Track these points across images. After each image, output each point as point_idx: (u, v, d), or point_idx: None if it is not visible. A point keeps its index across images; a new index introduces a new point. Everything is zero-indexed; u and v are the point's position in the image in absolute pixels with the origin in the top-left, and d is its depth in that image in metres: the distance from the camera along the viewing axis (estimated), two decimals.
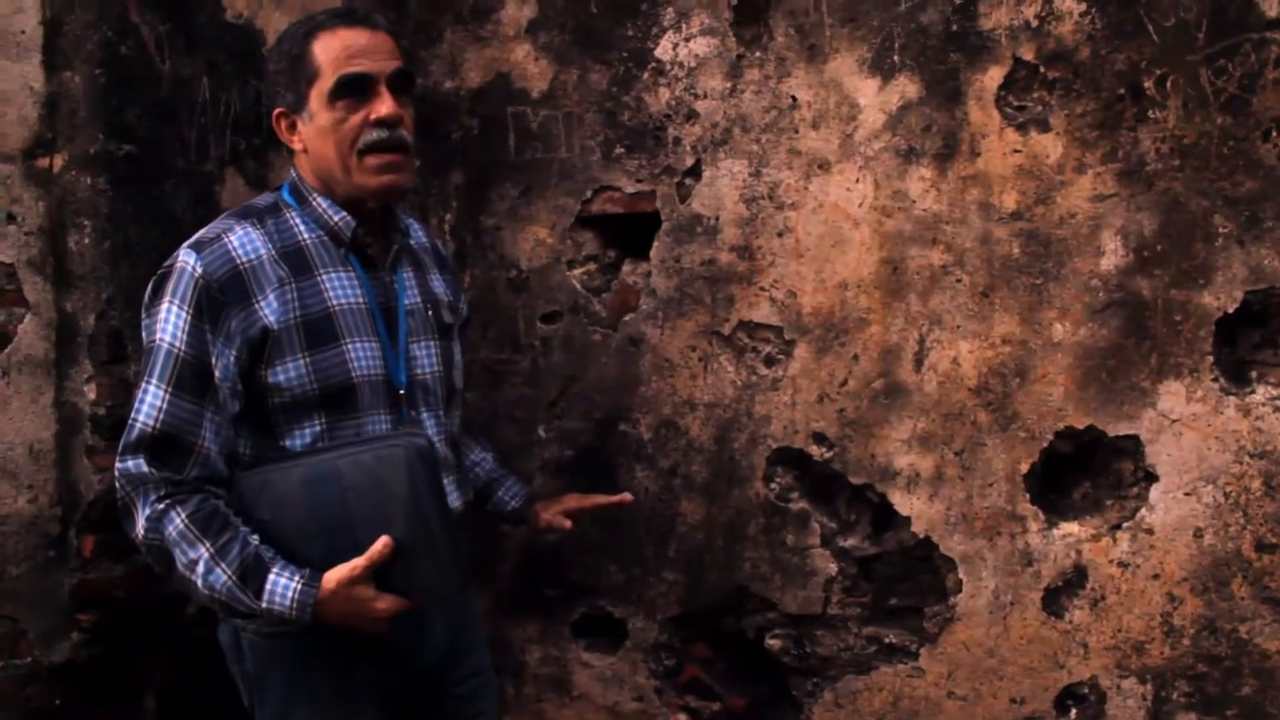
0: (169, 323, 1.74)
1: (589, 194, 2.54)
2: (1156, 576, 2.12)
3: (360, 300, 1.86)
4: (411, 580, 1.76)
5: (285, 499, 1.75)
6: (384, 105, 1.80)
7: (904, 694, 2.34)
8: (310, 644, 1.82)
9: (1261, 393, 2.04)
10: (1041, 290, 2.16)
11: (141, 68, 2.28)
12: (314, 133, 1.83)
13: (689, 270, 2.45)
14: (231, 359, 1.75)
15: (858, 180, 2.28)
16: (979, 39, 2.17)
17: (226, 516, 1.73)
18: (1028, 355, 2.18)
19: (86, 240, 2.23)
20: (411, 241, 2.01)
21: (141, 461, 1.72)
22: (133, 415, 1.74)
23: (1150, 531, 2.12)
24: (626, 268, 2.53)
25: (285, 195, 1.90)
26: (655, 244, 2.48)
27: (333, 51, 1.80)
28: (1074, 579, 2.18)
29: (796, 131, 2.33)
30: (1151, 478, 2.11)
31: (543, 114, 2.57)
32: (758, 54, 2.35)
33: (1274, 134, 1.98)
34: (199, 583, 1.71)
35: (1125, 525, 2.14)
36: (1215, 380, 2.05)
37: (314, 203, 1.86)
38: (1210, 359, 2.05)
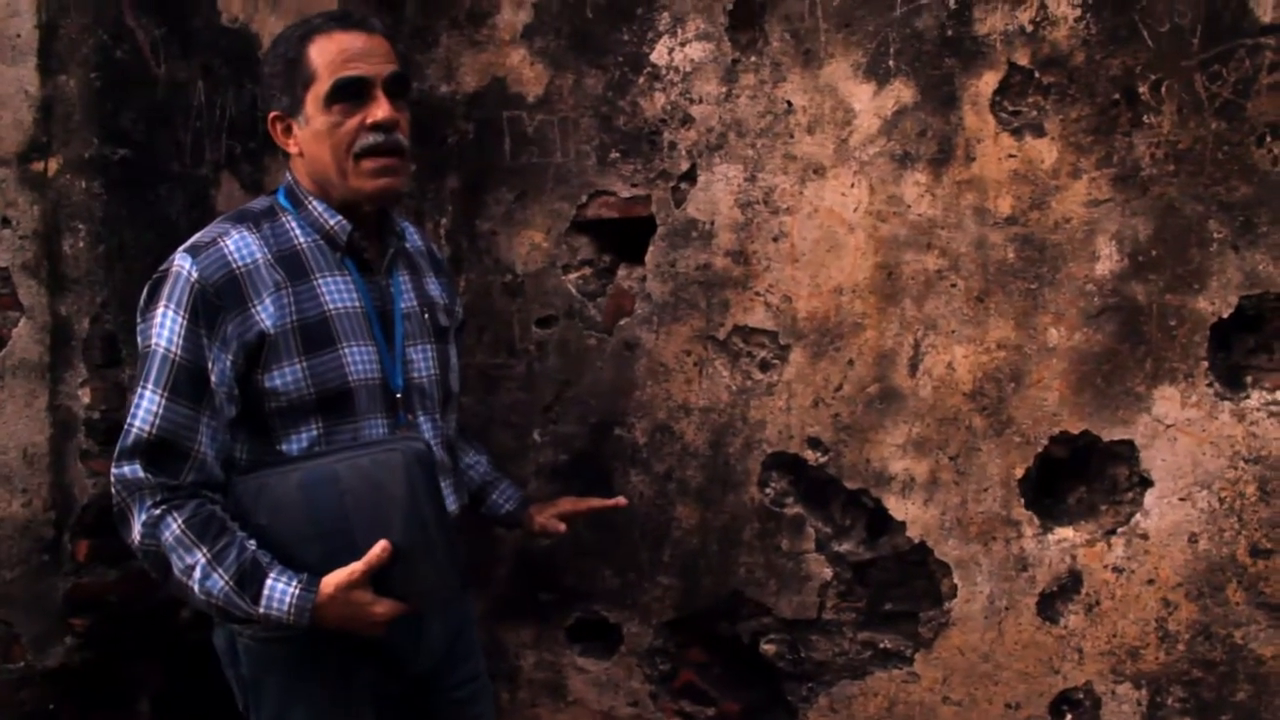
0: (164, 327, 1.73)
1: (584, 198, 2.54)
2: (1151, 582, 2.12)
3: (356, 304, 1.85)
4: (410, 584, 1.75)
5: (283, 503, 1.75)
6: (380, 109, 1.80)
7: (899, 699, 2.34)
8: (307, 648, 1.82)
9: (1256, 398, 2.04)
10: (1036, 295, 2.16)
11: (137, 71, 2.27)
12: (310, 136, 1.82)
13: (684, 275, 2.45)
14: (228, 364, 1.74)
15: (853, 185, 2.28)
16: (974, 44, 2.17)
17: (223, 521, 1.73)
18: (1022, 360, 2.18)
19: (81, 244, 2.22)
20: (407, 245, 2.01)
21: (137, 467, 1.72)
22: (128, 420, 1.73)
23: (1145, 537, 2.12)
24: (622, 272, 2.53)
25: (281, 199, 1.89)
26: (650, 248, 2.48)
27: (329, 55, 1.79)
28: (1069, 584, 2.18)
29: (792, 136, 2.33)
30: (1146, 483, 2.11)
31: (538, 118, 2.57)
32: (753, 59, 2.35)
33: (1268, 139, 1.98)
34: (196, 588, 1.71)
35: (1120, 530, 2.14)
36: (1210, 385, 2.05)
37: (310, 206, 1.86)
38: (1205, 364, 2.05)
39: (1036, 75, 2.13)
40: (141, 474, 1.71)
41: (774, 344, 2.38)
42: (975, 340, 2.21)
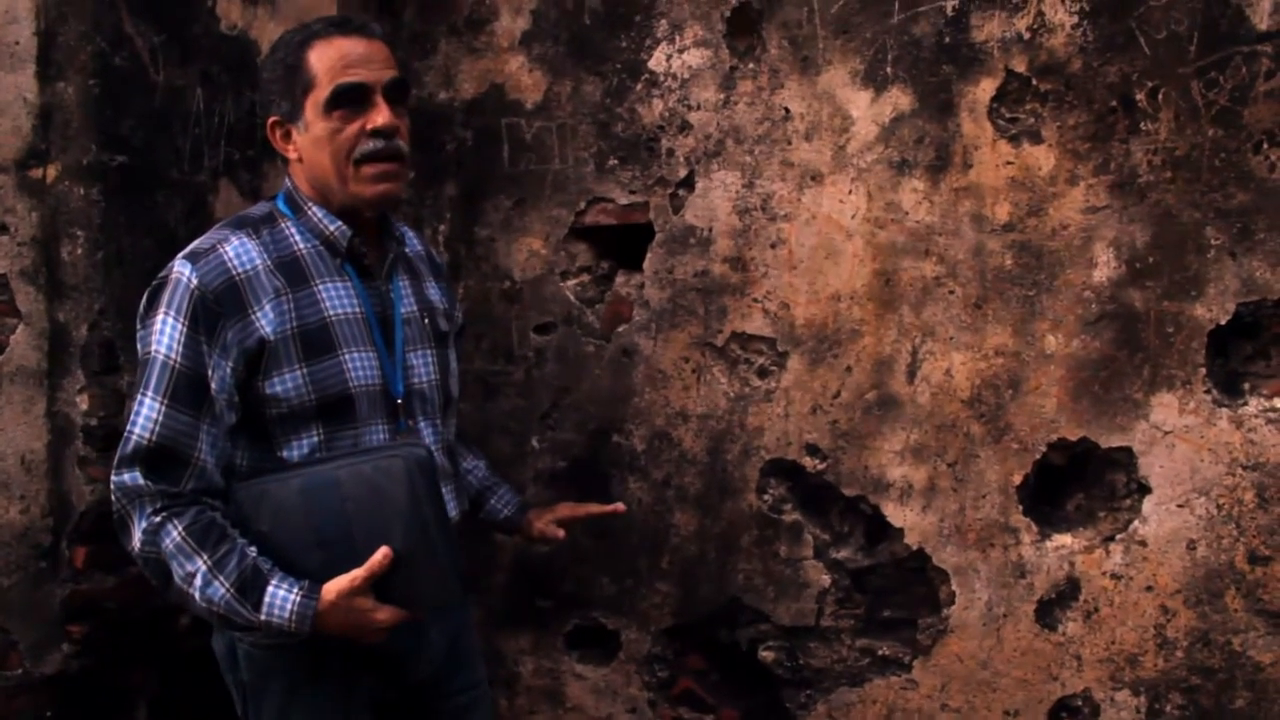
0: (164, 334, 1.72)
1: (582, 205, 2.54)
2: (1150, 588, 2.12)
3: (357, 310, 1.85)
4: (411, 591, 1.75)
5: (284, 509, 1.74)
6: (380, 115, 1.79)
7: (897, 706, 2.34)
8: (307, 655, 1.81)
9: (1254, 404, 2.04)
10: (1034, 302, 2.16)
11: (135, 78, 2.28)
12: (309, 142, 1.81)
13: (682, 281, 2.45)
14: (228, 370, 1.73)
15: (850, 192, 2.29)
16: (971, 51, 2.17)
17: (224, 528, 1.72)
18: (1020, 367, 2.18)
19: (79, 251, 2.22)
20: (407, 250, 2.01)
21: (137, 474, 1.71)
22: (128, 428, 1.72)
23: (1143, 543, 2.12)
24: (620, 279, 2.54)
25: (280, 205, 1.89)
26: (648, 255, 2.48)
27: (328, 61, 1.78)
28: (1067, 591, 2.18)
29: (789, 143, 2.33)
30: (1144, 489, 2.11)
31: (536, 125, 2.57)
32: (751, 66, 2.36)
33: (1265, 146, 1.98)
34: (197, 596, 1.70)
35: (1118, 537, 2.14)
36: (1208, 392, 2.05)
37: (309, 212, 1.85)
38: (1203, 371, 2.05)
39: (1034, 82, 2.13)
40: (141, 481, 1.71)
41: (772, 351, 2.38)
42: (973, 347, 2.21)
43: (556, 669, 2.67)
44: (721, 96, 2.38)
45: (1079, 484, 2.21)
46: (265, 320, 1.75)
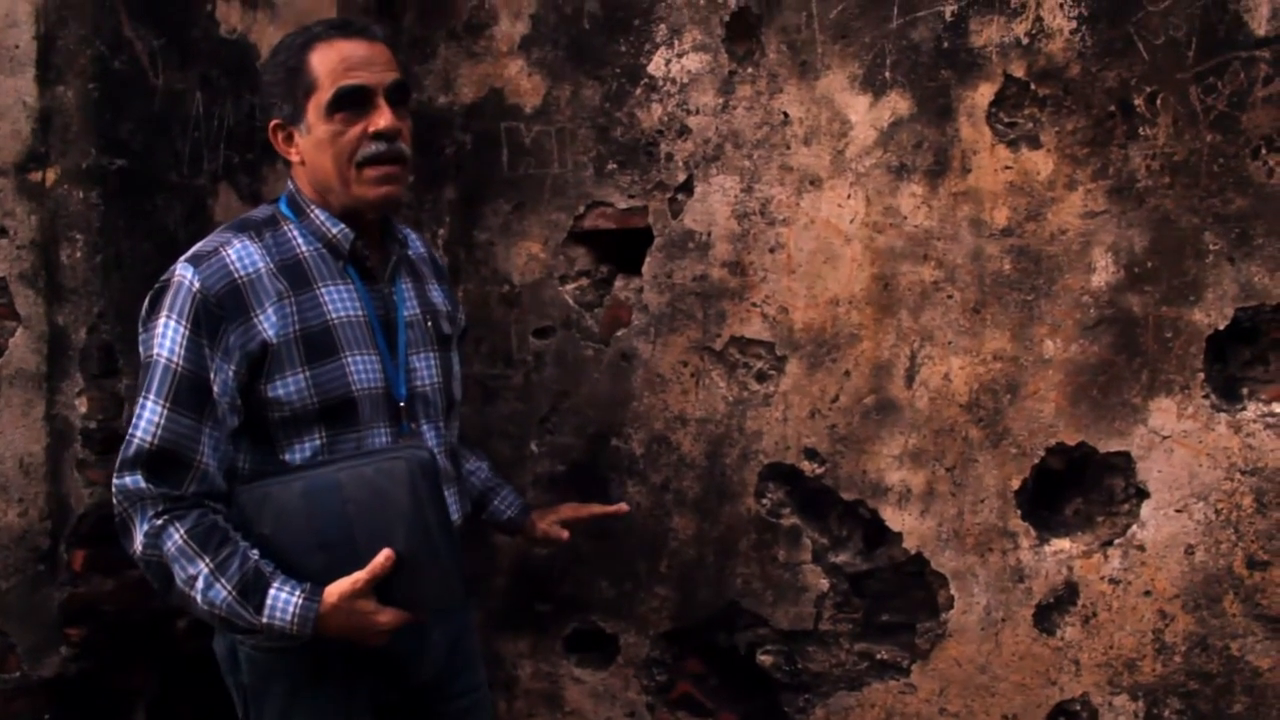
0: (166, 337, 1.72)
1: (582, 209, 2.54)
2: (1148, 593, 2.12)
3: (359, 313, 1.85)
4: (413, 593, 1.74)
5: (286, 512, 1.74)
6: (382, 118, 1.79)
7: (896, 710, 2.34)
8: (309, 658, 1.81)
9: (1252, 409, 2.04)
10: (1032, 306, 2.16)
11: (135, 82, 2.28)
12: (311, 145, 1.81)
13: (681, 286, 2.45)
14: (230, 374, 1.73)
15: (849, 196, 2.29)
16: (970, 56, 2.18)
17: (226, 531, 1.72)
18: (1019, 371, 2.18)
19: (78, 254, 2.22)
20: (409, 252, 2.01)
21: (139, 477, 1.71)
22: (130, 431, 1.72)
23: (1142, 548, 2.11)
24: (619, 283, 2.54)
25: (283, 207, 1.89)
26: (647, 260, 2.48)
27: (330, 63, 1.78)
28: (1065, 595, 2.18)
29: (788, 147, 2.33)
30: (1143, 494, 2.11)
31: (536, 129, 2.57)
32: (750, 70, 2.36)
33: (1263, 151, 1.98)
34: (199, 599, 1.70)
35: (1116, 542, 2.14)
36: (1206, 397, 2.05)
37: (312, 215, 1.85)
38: (1201, 376, 2.05)
39: (1032, 87, 2.13)
40: (143, 484, 1.71)
41: (770, 355, 2.38)
42: (971, 351, 2.21)
43: (555, 672, 2.67)
44: (720, 101, 2.39)
45: (1077, 489, 2.21)
46: (268, 323, 1.75)
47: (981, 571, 2.24)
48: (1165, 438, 2.08)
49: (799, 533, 2.40)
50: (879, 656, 2.36)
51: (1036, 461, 2.18)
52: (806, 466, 2.37)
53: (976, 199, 2.19)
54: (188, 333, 1.71)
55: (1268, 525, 2.02)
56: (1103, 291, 2.11)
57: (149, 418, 1.71)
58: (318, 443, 1.80)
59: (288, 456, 1.79)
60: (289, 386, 1.76)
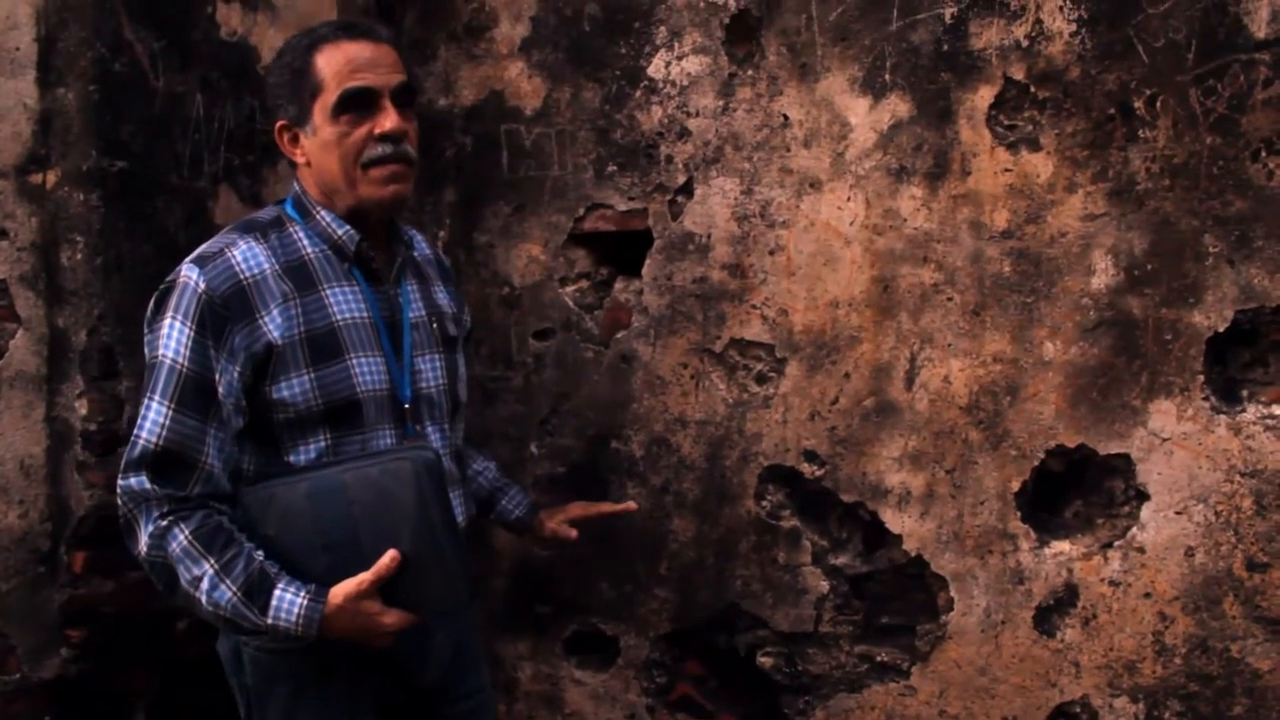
0: (172, 338, 1.72)
1: (581, 211, 2.54)
2: (1148, 595, 2.12)
3: (364, 314, 1.84)
4: (418, 595, 1.74)
5: (291, 513, 1.73)
6: (388, 120, 1.79)
7: (896, 712, 2.34)
8: (313, 659, 1.81)
9: (1252, 411, 2.04)
10: (1032, 309, 2.16)
11: (135, 84, 2.28)
12: (317, 146, 1.81)
13: (681, 288, 2.45)
14: (235, 375, 1.73)
15: (849, 199, 2.29)
16: (970, 59, 2.18)
17: (230, 533, 1.72)
18: (1019, 374, 2.18)
19: (79, 256, 2.23)
20: (415, 254, 2.00)
21: (144, 478, 1.71)
22: (135, 432, 1.72)
23: (1141, 550, 2.12)
24: (619, 285, 2.54)
25: (288, 209, 1.89)
26: (647, 262, 2.48)
27: (336, 65, 1.78)
28: (1065, 597, 2.18)
29: (788, 150, 2.33)
30: (1143, 496, 2.11)
31: (536, 132, 2.57)
32: (750, 72, 2.36)
33: (1263, 154, 1.98)
34: (203, 600, 1.70)
35: (1116, 544, 2.14)
36: (1206, 399, 2.05)
37: (317, 216, 1.85)
38: (1201, 378, 2.05)
39: (1032, 90, 2.14)
40: (148, 485, 1.71)
41: (770, 357, 2.38)
42: (971, 354, 2.21)
43: (555, 674, 2.67)
44: (720, 103, 2.39)
45: (1077, 491, 2.21)
46: (273, 325, 1.75)
47: (981, 573, 2.24)
48: (1165, 440, 2.08)
49: (799, 535, 2.40)
50: (879, 658, 2.36)
51: (1036, 464, 2.18)
52: (806, 468, 2.37)
53: (976, 201, 2.19)
54: (193, 334, 1.72)
55: (1267, 527, 2.02)
56: (1102, 294, 2.11)
57: (154, 418, 1.71)
58: (322, 444, 1.80)
59: (292, 458, 1.79)
60: (294, 388, 1.76)
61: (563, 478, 2.61)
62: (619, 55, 2.48)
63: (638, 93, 2.47)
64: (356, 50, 1.80)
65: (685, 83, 2.42)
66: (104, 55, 2.22)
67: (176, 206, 2.37)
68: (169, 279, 1.77)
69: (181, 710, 2.43)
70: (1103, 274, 2.11)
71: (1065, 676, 2.19)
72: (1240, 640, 2.06)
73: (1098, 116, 2.09)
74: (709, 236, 2.42)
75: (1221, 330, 2.03)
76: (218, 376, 1.72)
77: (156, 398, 1.72)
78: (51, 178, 2.22)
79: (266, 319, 1.75)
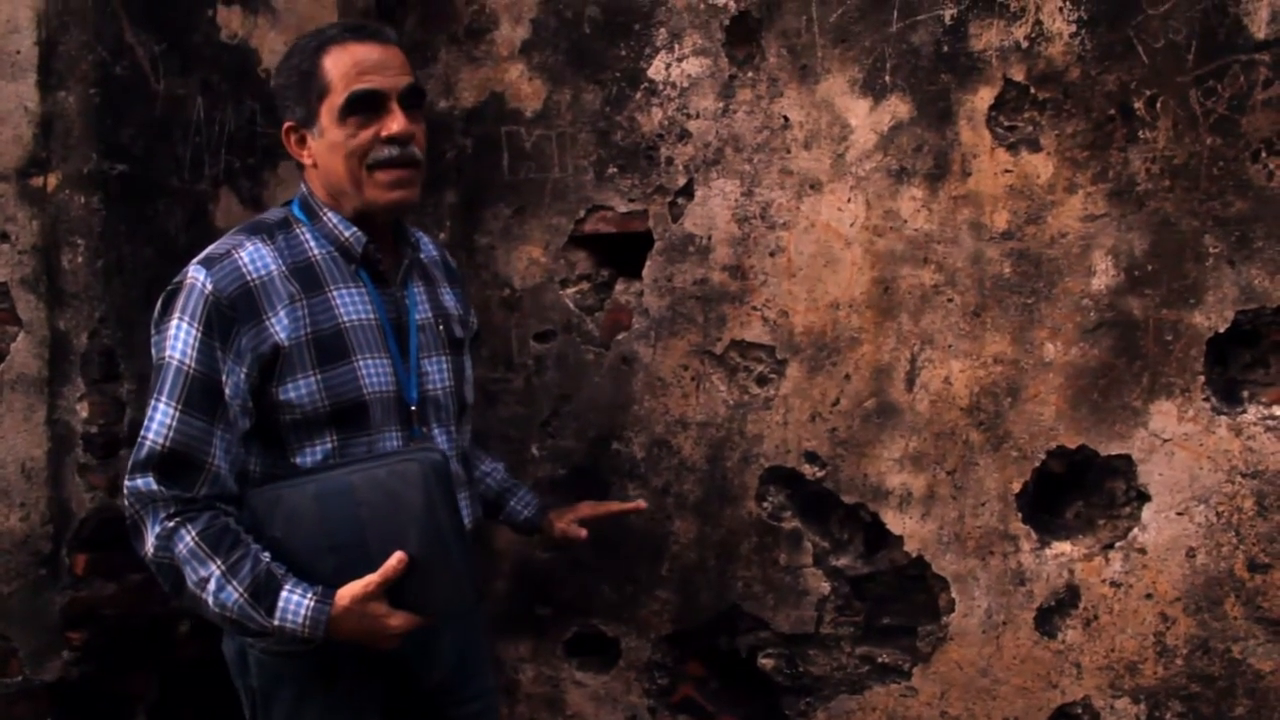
0: (179, 339, 1.72)
1: (582, 213, 2.54)
2: (1149, 596, 2.12)
3: (371, 316, 1.85)
4: (425, 597, 1.74)
5: (298, 515, 1.73)
6: (395, 122, 1.79)
7: (897, 714, 2.34)
8: (319, 661, 1.81)
9: (1253, 412, 2.04)
10: (1033, 310, 2.16)
11: (136, 87, 2.28)
12: (324, 148, 1.81)
13: (681, 289, 2.45)
14: (242, 376, 1.73)
15: (849, 200, 2.29)
16: (970, 60, 2.18)
17: (237, 534, 1.72)
18: (1019, 375, 2.18)
19: (80, 259, 2.23)
20: (422, 255, 2.00)
21: (151, 479, 1.71)
22: (142, 433, 1.72)
23: (1143, 551, 2.11)
24: (619, 287, 2.54)
25: (295, 210, 1.89)
26: (648, 263, 2.48)
27: (343, 67, 1.78)
28: (1066, 598, 2.18)
29: (788, 151, 2.34)
30: (1144, 497, 2.11)
31: (536, 133, 2.58)
32: (750, 74, 2.36)
33: (1263, 155, 1.98)
34: (210, 601, 1.70)
35: (1118, 545, 2.14)
36: (1207, 400, 2.05)
37: (324, 218, 1.85)
38: (1201, 379, 2.05)
39: (1032, 91, 2.14)
40: (155, 486, 1.70)
41: (771, 359, 2.38)
42: (972, 355, 2.21)
43: (556, 676, 2.67)
44: (720, 105, 2.39)
45: (1078, 492, 2.21)
46: (280, 326, 1.75)
47: (982, 574, 2.24)
48: (1166, 440, 2.08)
49: (800, 536, 2.40)
50: (880, 660, 2.36)
51: (1037, 464, 2.18)
52: (807, 470, 2.37)
53: (976, 202, 2.19)
54: (200, 335, 1.72)
55: (1269, 528, 2.02)
56: (1103, 294, 2.11)
57: (161, 419, 1.71)
58: (329, 446, 1.80)
59: (299, 459, 1.80)
60: (300, 389, 1.76)
61: (564, 480, 2.61)
62: (619, 57, 2.49)
63: (638, 95, 2.47)
64: (364, 52, 1.80)
65: (685, 84, 2.42)
66: (105, 58, 2.22)
67: (177, 209, 2.37)
68: (176, 280, 1.77)
69: (182, 713, 2.43)
70: (1103, 275, 2.11)
71: (1066, 677, 2.19)
72: (1242, 641, 2.06)
73: (1098, 117, 2.09)
74: (709, 238, 2.42)
75: (1222, 331, 2.03)
76: (224, 378, 1.72)
77: (163, 399, 1.72)
78: (52, 181, 2.22)
79: (273, 320, 1.75)
